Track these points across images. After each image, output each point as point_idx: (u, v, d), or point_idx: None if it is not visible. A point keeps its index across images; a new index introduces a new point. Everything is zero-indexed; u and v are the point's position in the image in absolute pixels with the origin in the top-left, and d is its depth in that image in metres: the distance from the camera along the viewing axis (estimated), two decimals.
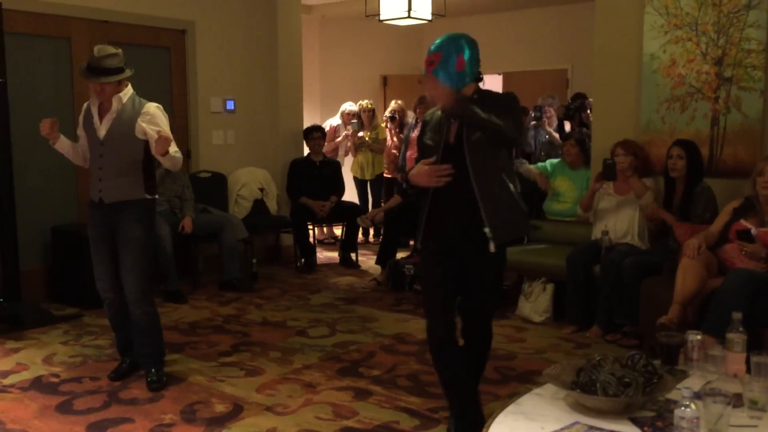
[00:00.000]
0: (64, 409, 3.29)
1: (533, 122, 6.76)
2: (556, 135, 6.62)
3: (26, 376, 3.70)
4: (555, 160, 5.46)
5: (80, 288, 4.87)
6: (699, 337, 2.62)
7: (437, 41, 2.83)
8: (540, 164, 5.47)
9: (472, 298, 2.92)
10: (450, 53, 2.76)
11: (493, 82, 8.84)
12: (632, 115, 4.77)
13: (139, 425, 3.12)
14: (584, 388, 2.25)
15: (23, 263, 4.79)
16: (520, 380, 3.65)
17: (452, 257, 2.86)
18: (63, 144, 3.58)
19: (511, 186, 2.82)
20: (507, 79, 9.04)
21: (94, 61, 3.43)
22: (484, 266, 2.85)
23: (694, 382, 2.39)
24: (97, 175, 3.53)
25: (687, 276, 3.55)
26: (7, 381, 3.64)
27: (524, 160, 6.12)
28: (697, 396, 2.07)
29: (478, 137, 2.74)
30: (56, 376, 3.70)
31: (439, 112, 2.89)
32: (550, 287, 4.72)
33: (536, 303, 4.72)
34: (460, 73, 2.76)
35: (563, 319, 4.60)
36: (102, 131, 3.50)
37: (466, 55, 2.78)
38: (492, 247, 2.75)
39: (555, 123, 6.75)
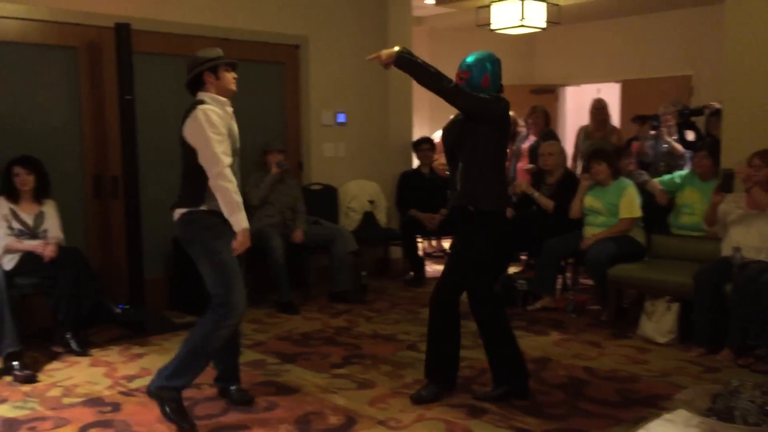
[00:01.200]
0: None
1: (651, 131, 6.46)
2: (677, 145, 6.28)
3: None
4: (684, 172, 5.18)
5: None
6: None
7: (468, 60, 3.44)
8: (666, 177, 5.20)
9: None
10: (479, 71, 3.40)
11: (610, 91, 8.55)
12: (767, 123, 4.45)
13: None
14: (721, 416, 2.10)
15: (147, 272, 5.02)
16: (644, 404, 3.46)
17: None
18: None
19: (460, 165, 3.39)
20: (625, 87, 8.69)
21: (227, 55, 3.33)
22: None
23: None
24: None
25: None
26: (132, 385, 3.80)
27: (643, 171, 5.87)
28: None
29: (450, 123, 3.54)
30: None
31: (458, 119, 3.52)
32: (675, 306, 4.45)
33: (660, 323, 4.46)
34: (485, 89, 3.40)
35: (690, 341, 4.33)
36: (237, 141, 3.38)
37: (491, 74, 3.42)
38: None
39: (675, 132, 6.42)
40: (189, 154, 3.22)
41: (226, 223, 3.20)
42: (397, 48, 3.34)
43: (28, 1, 4.73)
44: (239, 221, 3.18)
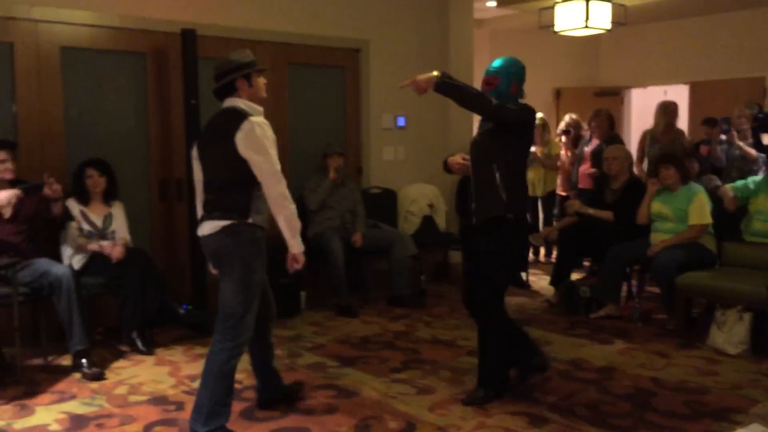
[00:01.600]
0: (247, 415, 3.42)
1: (722, 135, 6.24)
2: (750, 150, 6.04)
3: None
4: (758, 177, 4.98)
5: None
6: None
7: (496, 64, 3.46)
8: (740, 182, 5.01)
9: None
10: (507, 79, 3.43)
11: (677, 93, 8.30)
12: None
13: None
14: None
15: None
16: (714, 417, 3.32)
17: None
18: None
19: (497, 175, 3.43)
20: (694, 89, 8.41)
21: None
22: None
23: None
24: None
25: None
26: (195, 384, 3.82)
27: (714, 176, 5.68)
28: None
29: (478, 135, 3.61)
30: (239, 382, 3.83)
31: None
32: (747, 316, 4.28)
33: (731, 333, 4.30)
34: (512, 96, 3.45)
35: (762, 352, 4.16)
36: None
37: (518, 80, 3.45)
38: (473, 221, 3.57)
39: (750, 136, 6.17)
40: (237, 165, 3.06)
41: (264, 240, 3.18)
42: (435, 72, 3.33)
43: (98, 8, 4.87)
44: (298, 244, 3.19)
